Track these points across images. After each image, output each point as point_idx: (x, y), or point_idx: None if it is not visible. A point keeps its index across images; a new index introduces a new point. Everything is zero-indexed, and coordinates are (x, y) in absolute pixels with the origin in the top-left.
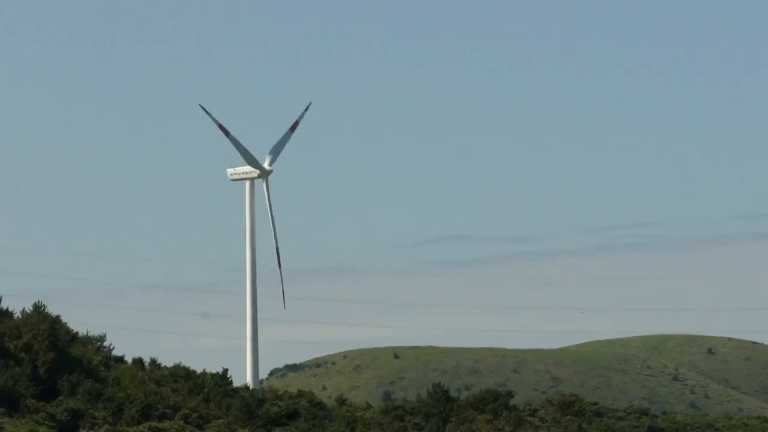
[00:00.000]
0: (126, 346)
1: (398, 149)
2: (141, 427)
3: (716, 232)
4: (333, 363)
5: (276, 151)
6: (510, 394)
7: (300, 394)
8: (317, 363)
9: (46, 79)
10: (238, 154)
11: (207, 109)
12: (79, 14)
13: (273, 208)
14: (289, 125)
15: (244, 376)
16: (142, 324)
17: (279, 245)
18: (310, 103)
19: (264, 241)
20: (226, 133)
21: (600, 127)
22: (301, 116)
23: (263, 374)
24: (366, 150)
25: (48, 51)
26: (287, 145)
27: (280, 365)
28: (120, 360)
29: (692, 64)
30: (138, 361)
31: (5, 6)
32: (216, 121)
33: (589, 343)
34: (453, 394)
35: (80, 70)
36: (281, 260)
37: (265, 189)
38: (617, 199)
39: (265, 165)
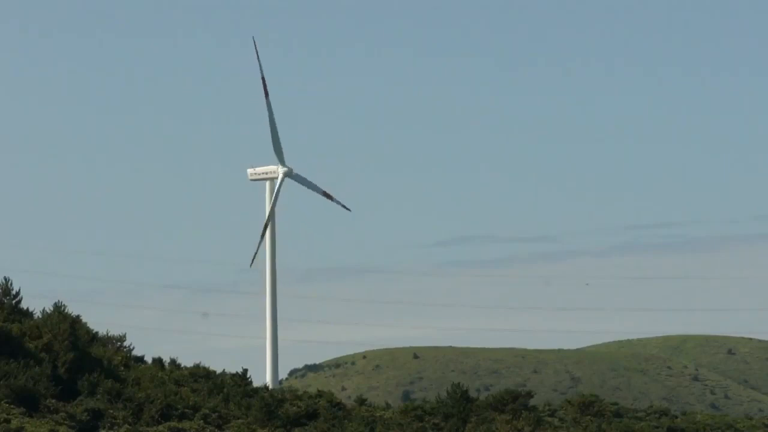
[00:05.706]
0: (146, 346)
1: (419, 149)
2: (161, 427)
3: (738, 233)
4: (352, 363)
5: (299, 181)
6: (529, 395)
7: (319, 394)
8: (337, 363)
9: (65, 78)
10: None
11: (258, 52)
12: (103, 13)
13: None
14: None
15: (263, 377)
16: (162, 324)
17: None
18: (349, 210)
19: (284, 242)
20: (266, 93)
21: (623, 127)
22: (337, 202)
23: (283, 374)
24: (387, 150)
25: (63, 49)
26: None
27: (300, 365)
28: (140, 360)
29: (703, 66)
30: (158, 362)
31: (7, 6)
32: (261, 72)
33: (609, 343)
34: (472, 394)
35: (97, 69)
36: (265, 233)
37: (278, 184)
38: (638, 200)
39: (288, 166)
